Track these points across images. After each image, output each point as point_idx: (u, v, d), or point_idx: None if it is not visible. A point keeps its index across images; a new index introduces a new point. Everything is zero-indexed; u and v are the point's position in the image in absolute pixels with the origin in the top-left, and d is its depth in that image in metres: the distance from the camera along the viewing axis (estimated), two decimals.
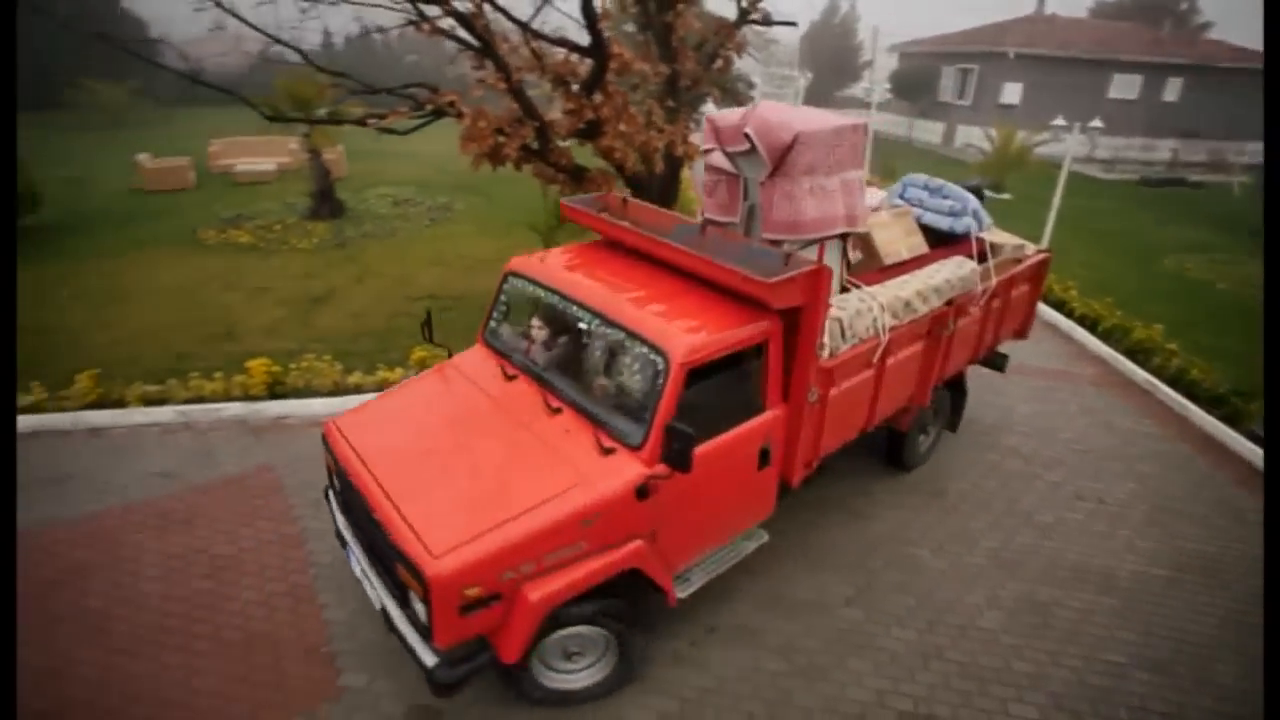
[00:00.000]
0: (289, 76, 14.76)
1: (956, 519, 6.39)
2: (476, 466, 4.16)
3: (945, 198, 6.90)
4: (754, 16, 9.15)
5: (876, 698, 4.55)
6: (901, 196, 7.20)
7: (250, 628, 4.88)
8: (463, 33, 8.32)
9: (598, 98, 7.36)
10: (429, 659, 3.71)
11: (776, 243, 4.93)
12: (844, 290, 5.48)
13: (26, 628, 4.70)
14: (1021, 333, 7.42)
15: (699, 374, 4.06)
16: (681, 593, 4.50)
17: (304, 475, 6.50)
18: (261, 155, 20.75)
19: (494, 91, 7.94)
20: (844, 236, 5.43)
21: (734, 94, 14.24)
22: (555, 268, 5.02)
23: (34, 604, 4.97)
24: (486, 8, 7.49)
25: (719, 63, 9.16)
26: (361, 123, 8.23)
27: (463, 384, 4.89)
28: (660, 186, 8.94)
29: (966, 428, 7.58)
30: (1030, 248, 7.17)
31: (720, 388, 4.27)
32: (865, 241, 6.12)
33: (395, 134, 8.45)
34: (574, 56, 7.54)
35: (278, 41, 8.78)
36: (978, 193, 7.10)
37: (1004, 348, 7.40)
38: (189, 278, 11.68)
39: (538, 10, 6.96)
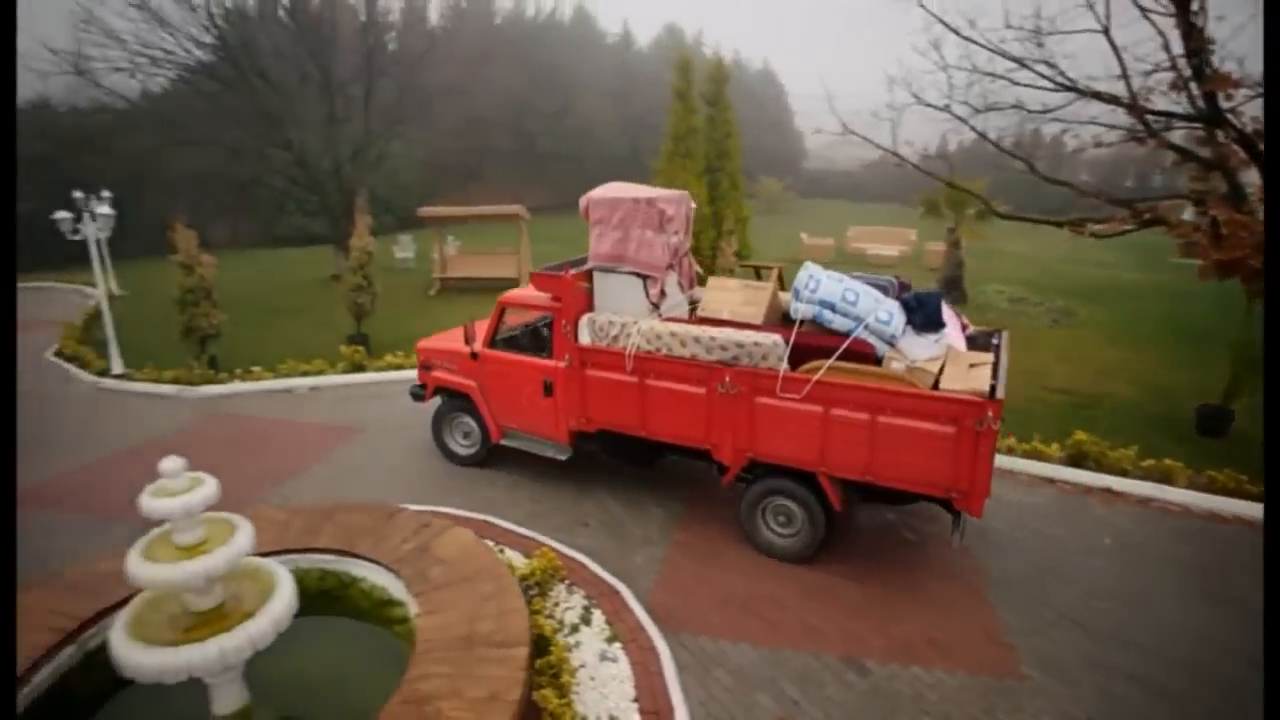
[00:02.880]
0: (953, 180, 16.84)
1: None
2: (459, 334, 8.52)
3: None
4: None
5: None
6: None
7: (938, 595, 6.22)
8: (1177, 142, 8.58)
9: None
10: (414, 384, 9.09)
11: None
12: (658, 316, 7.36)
13: None
14: (948, 490, 5.83)
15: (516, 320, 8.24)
16: (505, 441, 8.28)
17: None
18: (888, 242, 24.08)
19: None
20: (645, 278, 7.26)
21: None
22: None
23: None
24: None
25: None
26: (1066, 225, 9.21)
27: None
28: None
29: None
30: (975, 387, 5.67)
31: (530, 332, 8.22)
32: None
33: (1097, 238, 9.20)
34: None
35: (1002, 149, 10.42)
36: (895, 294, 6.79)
37: None
38: None
39: None
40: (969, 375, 5.87)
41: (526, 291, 8.05)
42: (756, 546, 6.86)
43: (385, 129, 21.19)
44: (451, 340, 8.77)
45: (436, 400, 8.87)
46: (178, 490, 3.98)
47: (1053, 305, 17.24)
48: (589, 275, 7.51)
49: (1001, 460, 8.68)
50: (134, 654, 3.82)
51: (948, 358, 6.20)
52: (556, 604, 5.88)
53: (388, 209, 30.67)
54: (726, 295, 7.17)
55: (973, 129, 9.60)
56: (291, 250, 29.53)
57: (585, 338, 7.27)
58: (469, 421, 8.57)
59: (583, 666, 5.21)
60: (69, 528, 7.46)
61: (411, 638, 5.06)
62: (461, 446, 8.80)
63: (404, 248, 23.82)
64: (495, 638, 4.58)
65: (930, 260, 21.51)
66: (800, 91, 55.57)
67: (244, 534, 4.16)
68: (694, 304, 7.76)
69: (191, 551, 4.01)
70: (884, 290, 6.81)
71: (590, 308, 7.51)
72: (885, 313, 6.30)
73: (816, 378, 6.06)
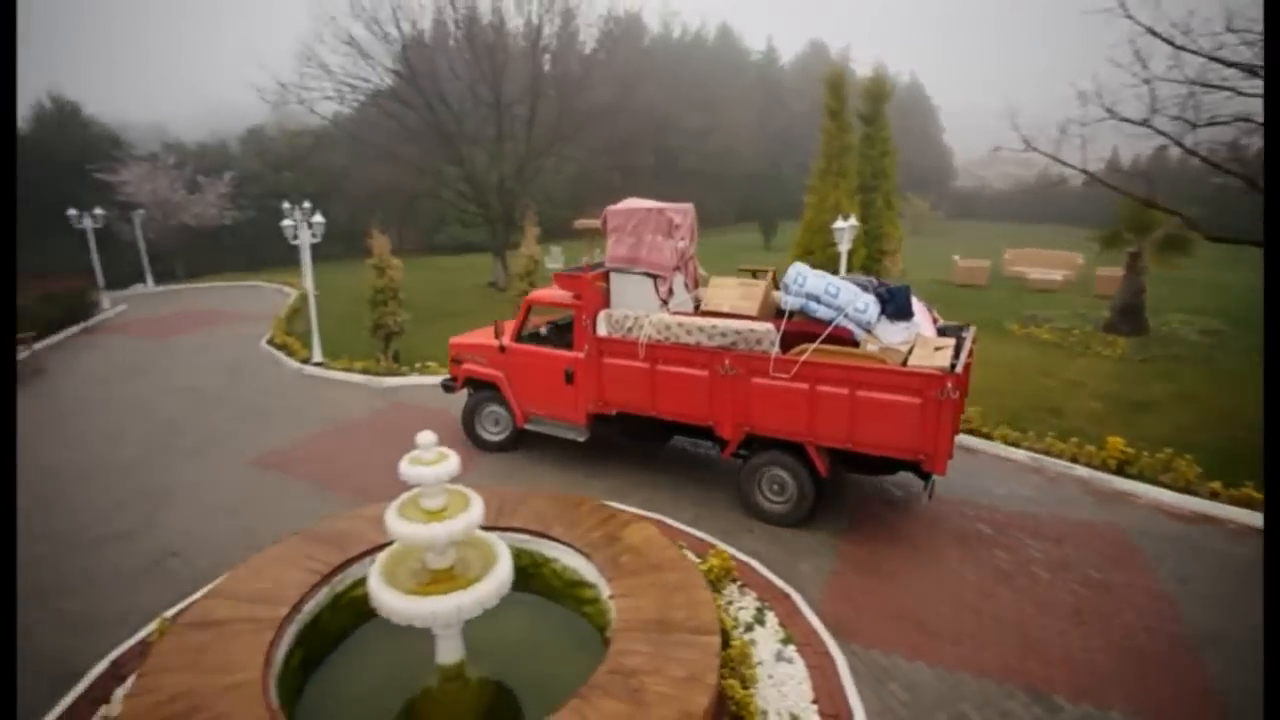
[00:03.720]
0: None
1: None
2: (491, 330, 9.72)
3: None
4: None
5: None
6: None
7: (1138, 643, 5.84)
8: None
9: None
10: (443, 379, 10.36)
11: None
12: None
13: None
14: (917, 453, 6.70)
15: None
16: (529, 426, 9.18)
17: (1157, 548, 7.20)
18: (1052, 266, 22.50)
19: None
20: (655, 277, 8.03)
21: None
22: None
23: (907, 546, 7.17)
24: None
25: None
26: None
27: None
28: None
29: None
30: (937, 364, 6.60)
31: (554, 328, 9.43)
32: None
33: None
34: None
35: (1218, 166, 9.55)
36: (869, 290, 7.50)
37: None
38: (1006, 357, 13.93)
39: None
40: (933, 355, 6.77)
41: (550, 291, 9.05)
42: (754, 514, 7.76)
43: (545, 147, 22.58)
44: (480, 337, 9.77)
45: (463, 396, 9.89)
46: (430, 461, 4.58)
47: (1258, 341, 15.41)
48: (606, 276, 8.40)
49: (1204, 505, 7.99)
50: (391, 598, 4.42)
51: (916, 342, 7.13)
52: (729, 602, 6.09)
53: (538, 221, 32.55)
54: (726, 292, 8.07)
55: (1179, 144, 8.87)
56: (448, 258, 31.98)
57: (603, 330, 8.19)
58: (498, 410, 9.51)
59: (760, 664, 5.39)
60: (296, 491, 8.59)
61: (602, 618, 5.46)
62: (491, 434, 9.71)
63: (554, 258, 25.12)
64: (688, 624, 4.85)
65: (1102, 287, 19.87)
66: (952, 107, 53.16)
67: (477, 506, 4.71)
68: (698, 302, 8.47)
69: (436, 515, 4.59)
70: (863, 287, 7.60)
71: (607, 305, 8.37)
72: (862, 303, 7.28)
73: (803, 359, 6.99)
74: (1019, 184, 47.52)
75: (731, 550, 6.86)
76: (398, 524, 4.53)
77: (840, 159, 18.03)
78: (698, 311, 8.12)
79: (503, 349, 9.15)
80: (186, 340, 16.97)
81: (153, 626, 5.69)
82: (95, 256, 20.96)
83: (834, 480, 7.87)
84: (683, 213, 8.29)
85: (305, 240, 14.06)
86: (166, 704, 4.22)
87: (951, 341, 7.01)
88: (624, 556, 5.67)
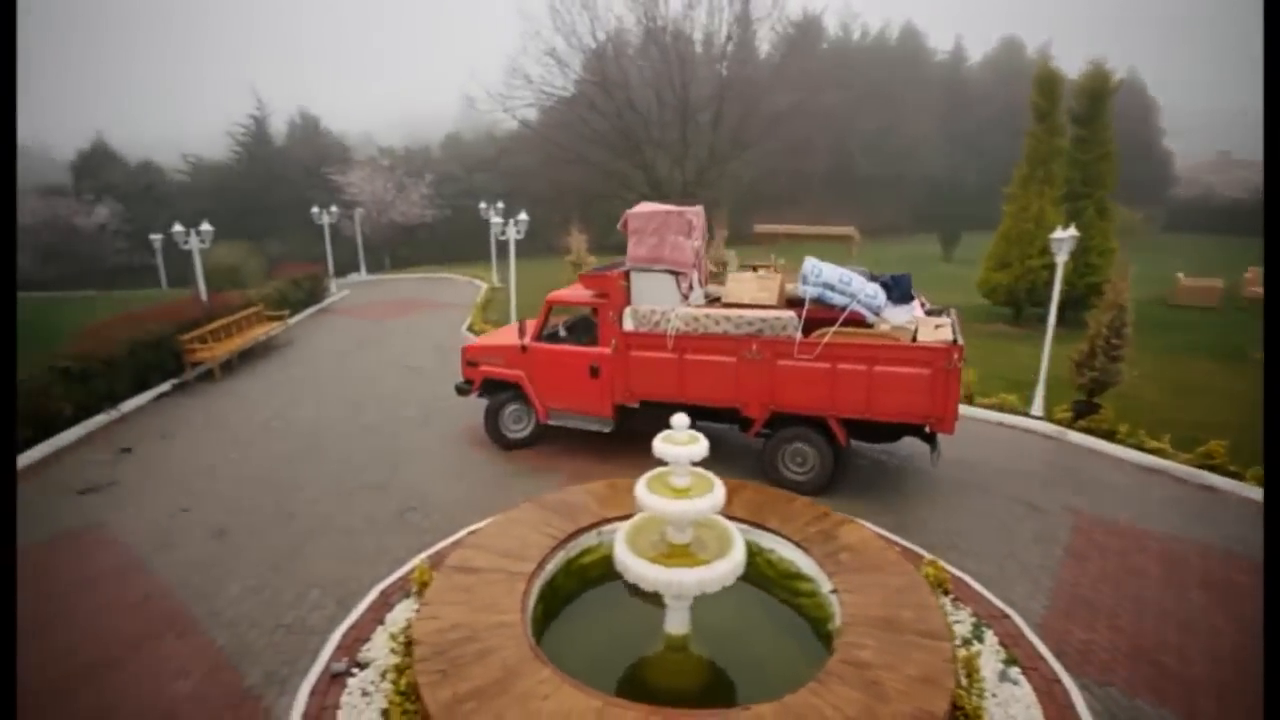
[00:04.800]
0: None
1: None
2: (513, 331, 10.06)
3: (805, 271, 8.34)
4: None
5: None
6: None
7: None
8: None
9: None
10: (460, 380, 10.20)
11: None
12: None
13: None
14: (929, 417, 7.62)
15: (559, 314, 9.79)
16: (551, 420, 9.52)
17: None
18: None
19: None
20: (676, 274, 8.64)
21: None
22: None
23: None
24: None
25: None
26: None
27: None
28: None
29: None
30: (942, 339, 7.57)
31: (575, 326, 9.72)
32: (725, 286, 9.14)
33: None
34: None
35: None
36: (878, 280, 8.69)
37: None
38: (1251, 391, 12.25)
39: None
40: (936, 332, 7.73)
41: (570, 291, 9.61)
42: (777, 485, 8.04)
43: (727, 152, 22.94)
44: (495, 340, 10.27)
45: (469, 396, 10.20)
46: (682, 441, 4.92)
47: None
48: (626, 275, 8.87)
49: None
50: (639, 565, 4.80)
51: (919, 322, 8.08)
52: (945, 614, 5.95)
53: (726, 224, 33.10)
54: (745, 286, 8.69)
55: None
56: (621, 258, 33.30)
57: (629, 325, 8.65)
58: (519, 408, 9.75)
59: (982, 680, 5.23)
60: (500, 465, 9.46)
61: (820, 611, 5.57)
62: (514, 431, 9.85)
63: (731, 260, 25.50)
64: (918, 627, 4.85)
65: None
66: (1176, 107, 47.22)
67: (720, 489, 4.97)
68: (710, 297, 9.09)
69: (682, 493, 4.92)
70: (866, 277, 8.51)
71: (628, 302, 8.78)
72: (872, 290, 8.25)
73: (825, 340, 7.79)
74: (1258, 191, 41.17)
75: (941, 562, 6.68)
76: (649, 497, 4.90)
77: (1047, 164, 16.73)
78: (722, 302, 8.73)
79: (524, 349, 9.39)
80: (399, 323, 19.07)
81: (411, 565, 6.55)
82: (329, 248, 24.11)
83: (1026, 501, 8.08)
84: (697, 214, 8.86)
85: (511, 236, 15.32)
86: (448, 630, 4.90)
87: (949, 320, 8.02)
88: (843, 554, 5.74)
